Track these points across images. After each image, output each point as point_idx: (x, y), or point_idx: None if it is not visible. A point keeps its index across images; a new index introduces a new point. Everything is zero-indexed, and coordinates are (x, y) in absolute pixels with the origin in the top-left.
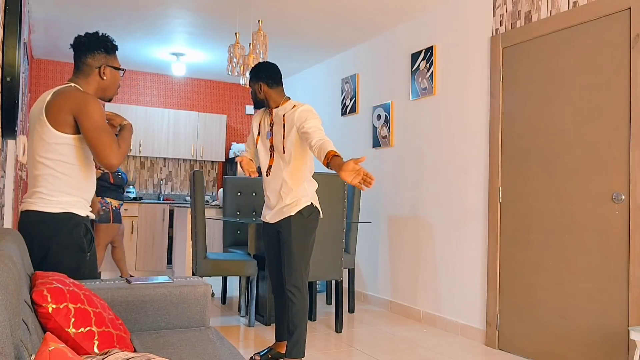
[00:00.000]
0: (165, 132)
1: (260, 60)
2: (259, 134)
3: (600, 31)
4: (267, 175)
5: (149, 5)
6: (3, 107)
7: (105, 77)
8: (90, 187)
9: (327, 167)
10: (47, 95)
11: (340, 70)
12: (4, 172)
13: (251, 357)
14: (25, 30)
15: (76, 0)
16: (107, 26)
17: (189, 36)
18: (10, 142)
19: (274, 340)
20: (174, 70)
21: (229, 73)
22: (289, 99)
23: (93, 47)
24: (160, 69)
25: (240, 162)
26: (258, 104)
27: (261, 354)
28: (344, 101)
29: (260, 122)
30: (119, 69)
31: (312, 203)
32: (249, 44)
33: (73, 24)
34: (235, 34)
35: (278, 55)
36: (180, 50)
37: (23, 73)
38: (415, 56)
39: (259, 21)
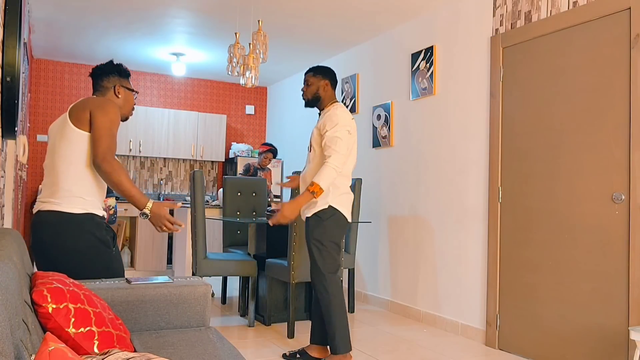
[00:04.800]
0: (165, 132)
1: (261, 60)
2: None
3: (600, 31)
4: (301, 172)
5: (149, 5)
6: (3, 107)
7: (120, 96)
8: (103, 190)
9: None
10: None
11: (340, 70)
12: (4, 172)
13: (284, 354)
14: (25, 30)
15: (76, 0)
16: (107, 26)
17: (189, 36)
18: (10, 142)
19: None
20: (174, 70)
21: (229, 73)
22: (336, 101)
23: (107, 71)
24: (160, 69)
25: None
26: (310, 103)
27: (292, 351)
28: (344, 101)
29: None
30: (132, 90)
31: (330, 206)
32: (249, 44)
33: (73, 24)
34: (235, 34)
35: (278, 55)
36: (180, 50)
37: (23, 73)
38: (415, 56)
39: (259, 21)
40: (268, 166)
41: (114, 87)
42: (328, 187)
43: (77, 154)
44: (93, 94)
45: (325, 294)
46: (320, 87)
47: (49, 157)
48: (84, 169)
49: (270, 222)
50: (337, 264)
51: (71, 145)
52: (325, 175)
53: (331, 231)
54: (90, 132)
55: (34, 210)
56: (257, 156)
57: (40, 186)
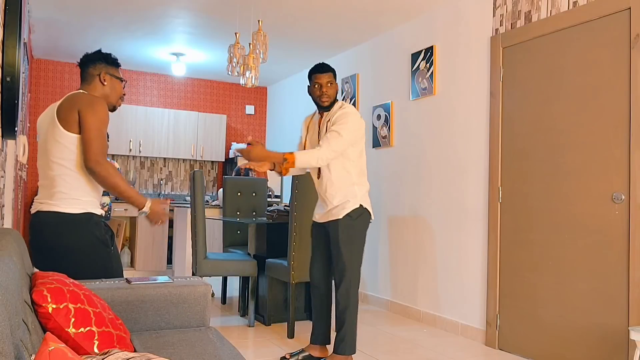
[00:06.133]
0: (165, 132)
1: (261, 60)
2: (306, 137)
3: (600, 31)
4: (317, 178)
5: (149, 5)
6: (3, 107)
7: (105, 83)
8: (99, 188)
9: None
10: (58, 102)
11: (340, 70)
12: (4, 172)
13: (283, 357)
14: (25, 30)
15: (76, 0)
16: (107, 26)
17: (189, 36)
18: (10, 142)
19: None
20: (174, 70)
21: (229, 73)
22: (337, 100)
23: (94, 59)
24: (160, 69)
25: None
26: (331, 105)
27: (293, 354)
28: (344, 101)
29: (309, 125)
30: (118, 78)
31: (360, 205)
32: (249, 44)
33: (73, 24)
34: (235, 34)
35: (278, 55)
36: (180, 50)
37: (23, 73)
38: (415, 56)
39: (259, 21)
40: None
41: (100, 74)
42: (298, 167)
43: (70, 157)
44: (81, 84)
45: (347, 294)
46: (337, 90)
47: (42, 157)
48: (78, 171)
49: (242, 165)
50: (361, 263)
51: (63, 148)
52: (310, 157)
53: (361, 230)
54: (79, 133)
55: (32, 211)
56: None
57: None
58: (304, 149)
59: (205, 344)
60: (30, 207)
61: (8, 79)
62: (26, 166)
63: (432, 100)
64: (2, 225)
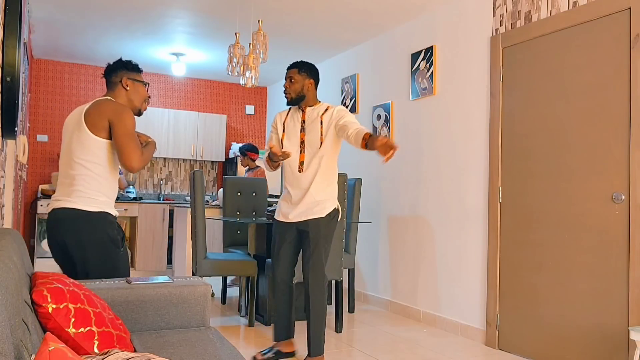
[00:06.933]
0: (165, 132)
1: (261, 60)
2: (283, 132)
3: (600, 31)
4: (299, 172)
5: (149, 5)
6: (3, 107)
7: (128, 88)
8: (116, 190)
9: (365, 149)
10: (85, 106)
11: (340, 70)
12: (4, 172)
13: (253, 357)
14: (25, 30)
15: (76, 0)
16: (107, 26)
17: (189, 36)
18: (10, 142)
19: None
20: (174, 70)
21: (229, 73)
22: (320, 102)
23: (115, 67)
24: (160, 69)
25: (272, 148)
26: (294, 101)
27: (263, 352)
28: (344, 101)
29: (285, 121)
30: (140, 81)
31: (336, 207)
32: (249, 44)
33: (73, 24)
34: (235, 34)
35: (278, 55)
36: (180, 50)
37: (23, 73)
38: (415, 56)
39: (259, 21)
40: (259, 164)
41: (121, 80)
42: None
43: (92, 159)
44: (107, 92)
45: (323, 293)
46: (304, 85)
47: (64, 156)
48: (99, 173)
49: (386, 159)
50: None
51: (87, 150)
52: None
53: (333, 230)
54: (108, 139)
55: (49, 209)
56: None
57: (41, 186)
58: (282, 146)
59: (205, 344)
60: (32, 207)
61: (8, 79)
62: (26, 166)
63: (432, 100)
64: (2, 225)
